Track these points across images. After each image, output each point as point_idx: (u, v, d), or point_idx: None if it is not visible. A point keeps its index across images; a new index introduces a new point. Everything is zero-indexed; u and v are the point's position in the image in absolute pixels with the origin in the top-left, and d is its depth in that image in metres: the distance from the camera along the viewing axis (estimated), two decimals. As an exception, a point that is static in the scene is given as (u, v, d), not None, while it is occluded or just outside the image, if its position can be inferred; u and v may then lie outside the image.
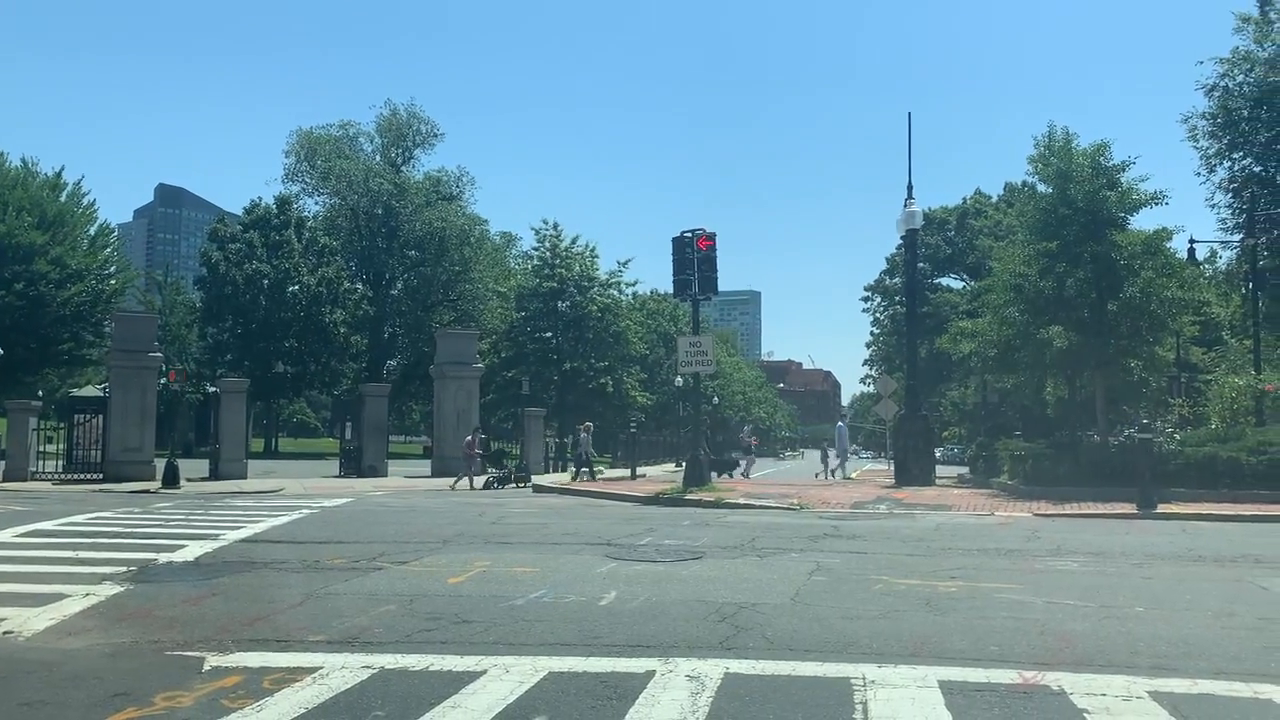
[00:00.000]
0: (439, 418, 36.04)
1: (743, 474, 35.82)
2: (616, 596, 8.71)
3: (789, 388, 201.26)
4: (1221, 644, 6.91)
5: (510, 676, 6.02)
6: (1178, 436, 21.87)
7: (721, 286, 23.53)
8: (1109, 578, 9.94)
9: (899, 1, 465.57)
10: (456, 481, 27.32)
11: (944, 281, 69.66)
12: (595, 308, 67.32)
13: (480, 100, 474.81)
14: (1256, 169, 33.96)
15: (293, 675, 6.08)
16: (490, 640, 7.06)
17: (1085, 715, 5.21)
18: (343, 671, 6.15)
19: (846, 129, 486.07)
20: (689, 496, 20.50)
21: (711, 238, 22.71)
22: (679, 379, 49.63)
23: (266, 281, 63.71)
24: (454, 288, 72.37)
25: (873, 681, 5.84)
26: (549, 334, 68.64)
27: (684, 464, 26.33)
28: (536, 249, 70.53)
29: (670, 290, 24.83)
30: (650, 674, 6.05)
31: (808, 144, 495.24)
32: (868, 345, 78.22)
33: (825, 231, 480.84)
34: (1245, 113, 33.37)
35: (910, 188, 27.81)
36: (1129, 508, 17.22)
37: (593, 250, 70.44)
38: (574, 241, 69.96)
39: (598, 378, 66.06)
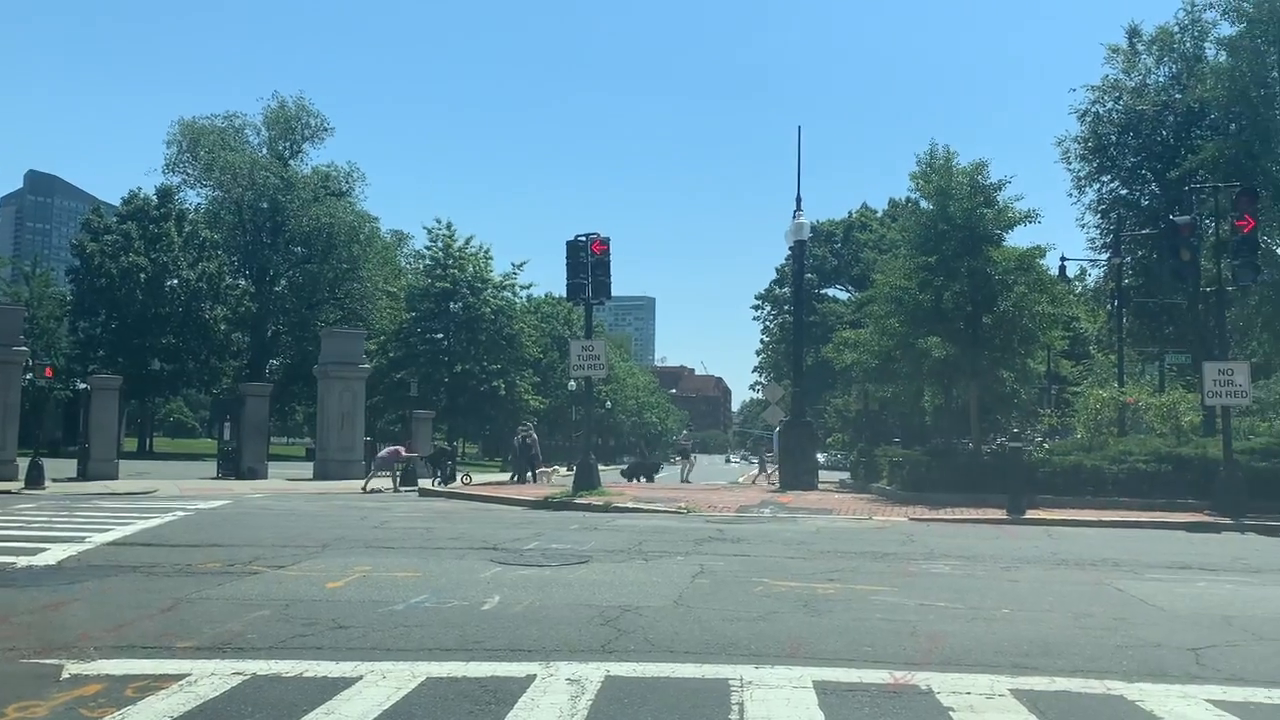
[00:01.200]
0: (323, 419, 35.22)
1: (683, 479, 35.85)
2: (500, 601, 8.66)
3: (681, 393, 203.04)
4: (1079, 643, 7.25)
5: (387, 682, 5.93)
6: (1046, 446, 22.88)
7: (616, 291, 23.59)
8: (978, 580, 10.33)
9: (794, 19, 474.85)
10: (367, 483, 27.03)
11: (830, 292, 71.41)
12: (489, 309, 66.73)
13: (372, 98, 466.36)
14: (1123, 192, 35.84)
15: (158, 683, 5.87)
16: (368, 646, 6.94)
17: (951, 713, 5.40)
18: (212, 679, 5.95)
19: (742, 140, 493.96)
20: (579, 500, 20.49)
21: (606, 242, 22.77)
22: (572, 383, 49.60)
23: (144, 275, 61.13)
24: (341, 286, 70.78)
25: (750, 682, 5.94)
26: (440, 335, 67.79)
27: (575, 468, 26.32)
28: (429, 248, 69.59)
29: (564, 294, 24.77)
30: (531, 678, 6.03)
31: (704, 153, 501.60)
32: (758, 353, 79.72)
33: (719, 240, 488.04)
34: (1114, 138, 35.20)
35: (799, 200, 28.42)
36: (999, 513, 17.93)
37: (487, 251, 69.87)
38: (468, 242, 69.26)
39: (490, 380, 65.43)
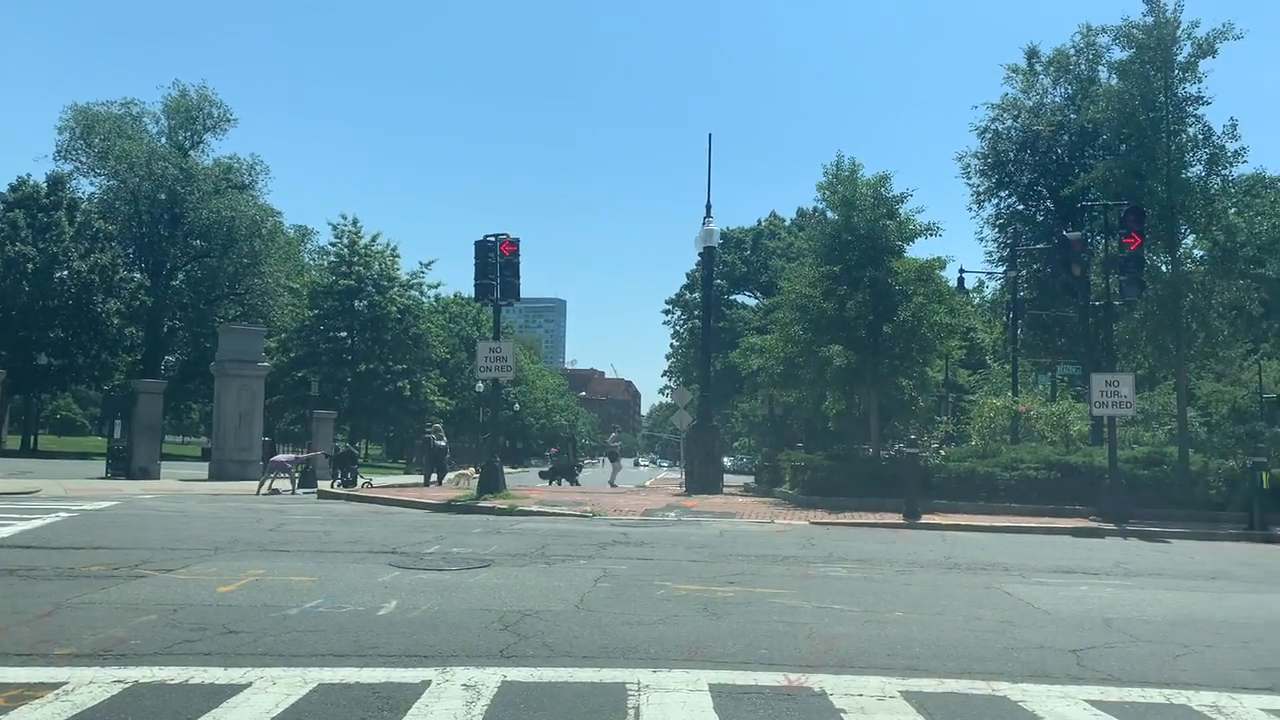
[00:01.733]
0: (219, 418, 34.20)
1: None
2: (397, 606, 8.52)
3: (591, 396, 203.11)
4: (968, 645, 7.47)
5: (276, 689, 5.78)
6: (942, 452, 23.51)
7: (526, 293, 23.48)
8: (874, 584, 10.56)
9: (708, 29, 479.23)
10: (262, 485, 26.30)
11: (739, 298, 72.18)
12: (395, 308, 65.68)
13: (280, 90, 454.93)
14: (1019, 207, 37.02)
15: (32, 691, 5.62)
16: (258, 651, 6.75)
17: (842, 715, 5.51)
18: (91, 687, 5.72)
19: (655, 145, 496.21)
20: (482, 504, 20.30)
21: (515, 243, 22.64)
22: (479, 384, 49.08)
23: (31, 266, 58.36)
24: (242, 281, 68.84)
25: (647, 686, 5.96)
26: (344, 334, 66.46)
27: (481, 470, 26.06)
28: (334, 245, 68.16)
29: (473, 294, 24.52)
30: (426, 684, 5.95)
31: (617, 158, 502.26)
32: (668, 357, 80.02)
33: (632, 244, 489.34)
34: (1012, 155, 36.35)
35: (709, 207, 28.69)
36: (897, 517, 18.37)
37: (394, 249, 68.77)
38: (374, 239, 68.06)
39: (395, 380, 64.36)
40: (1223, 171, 21.29)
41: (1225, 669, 6.92)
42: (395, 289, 67.04)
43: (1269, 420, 31.87)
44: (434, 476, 30.22)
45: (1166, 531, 17.67)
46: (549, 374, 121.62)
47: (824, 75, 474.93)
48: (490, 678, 6.09)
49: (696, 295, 70.00)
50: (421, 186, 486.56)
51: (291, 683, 5.91)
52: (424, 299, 70.95)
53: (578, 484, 32.58)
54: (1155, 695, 6.12)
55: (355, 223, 67.77)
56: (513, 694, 5.78)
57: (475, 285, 22.99)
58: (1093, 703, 5.90)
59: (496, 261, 22.38)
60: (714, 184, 29.50)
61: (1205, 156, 21.28)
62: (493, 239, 22.53)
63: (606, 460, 39.91)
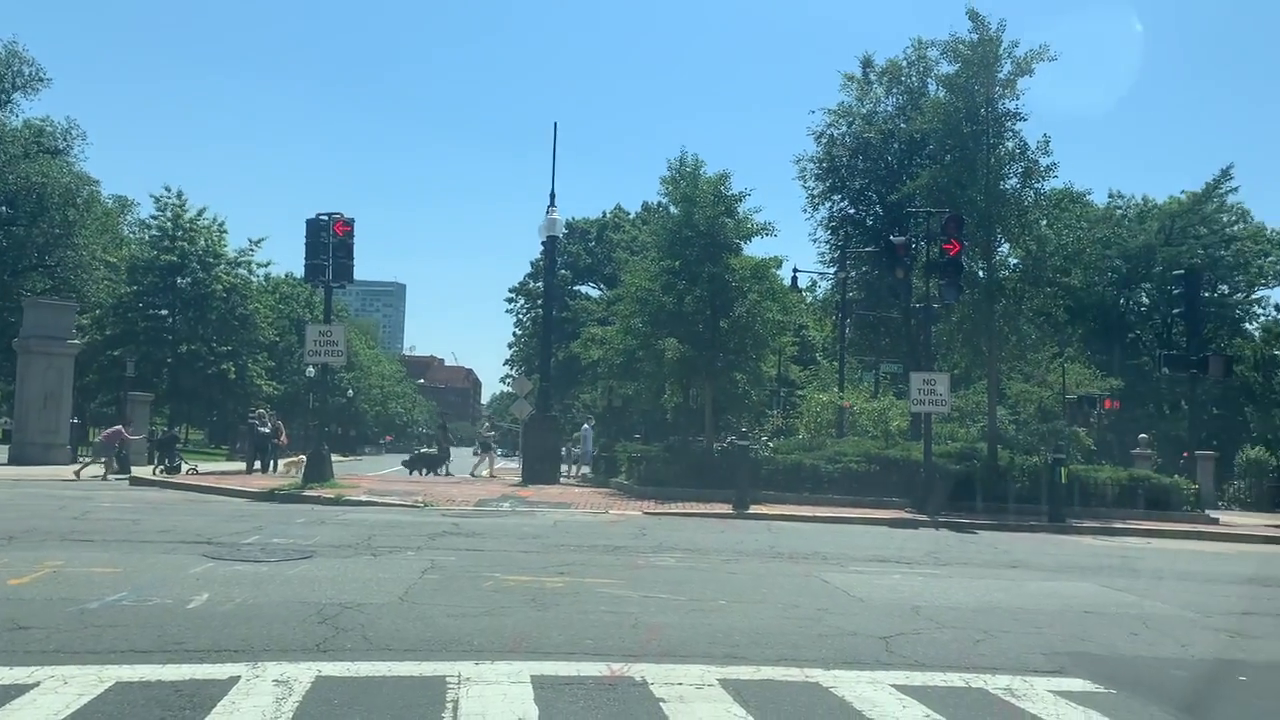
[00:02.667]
0: (22, 398, 31.86)
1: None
2: (209, 599, 8.13)
3: (429, 384, 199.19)
4: (786, 633, 7.70)
5: (69, 689, 5.41)
6: (771, 445, 24.19)
7: (364, 276, 22.88)
8: (701, 573, 10.77)
9: (557, 17, 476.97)
10: (82, 468, 24.61)
11: (583, 289, 72.35)
12: (221, 287, 62.62)
13: (99, 52, 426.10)
14: (851, 211, 38.49)
15: None
16: (51, 648, 6.31)
17: (662, 704, 5.58)
18: None
19: (501, 131, 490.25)
20: (308, 493, 19.63)
21: (350, 223, 21.96)
22: (309, 369, 47.36)
23: None
24: (52, 253, 64.00)
25: (468, 679, 5.89)
26: (164, 312, 62.98)
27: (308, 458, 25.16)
28: (156, 218, 64.35)
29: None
30: (234, 680, 5.70)
31: (461, 141, 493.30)
32: (510, 346, 79.50)
33: (475, 231, 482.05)
34: (845, 160, 37.73)
35: (553, 196, 28.60)
36: (727, 508, 18.81)
37: (221, 225, 65.51)
38: (200, 213, 64.66)
39: (219, 363, 61.41)
40: (1036, 185, 22.65)
41: (1020, 653, 7.37)
42: (222, 266, 63.94)
43: (1069, 420, 34.30)
44: (257, 464, 29.02)
45: (975, 523, 18.75)
46: (385, 360, 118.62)
47: (672, 71, 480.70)
48: (304, 673, 5.89)
49: (540, 284, 69.78)
50: (253, 162, 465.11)
51: (86, 682, 5.55)
52: (253, 278, 67.94)
53: (451, 474, 31.65)
54: (956, 679, 6.46)
55: (180, 195, 64.26)
56: (327, 689, 5.60)
57: (306, 265, 22.19)
58: (898, 687, 6.17)
59: (329, 241, 21.65)
60: (561, 174, 29.48)
61: (1021, 170, 22.59)
62: (325, 218, 21.78)
63: (478, 450, 38.82)
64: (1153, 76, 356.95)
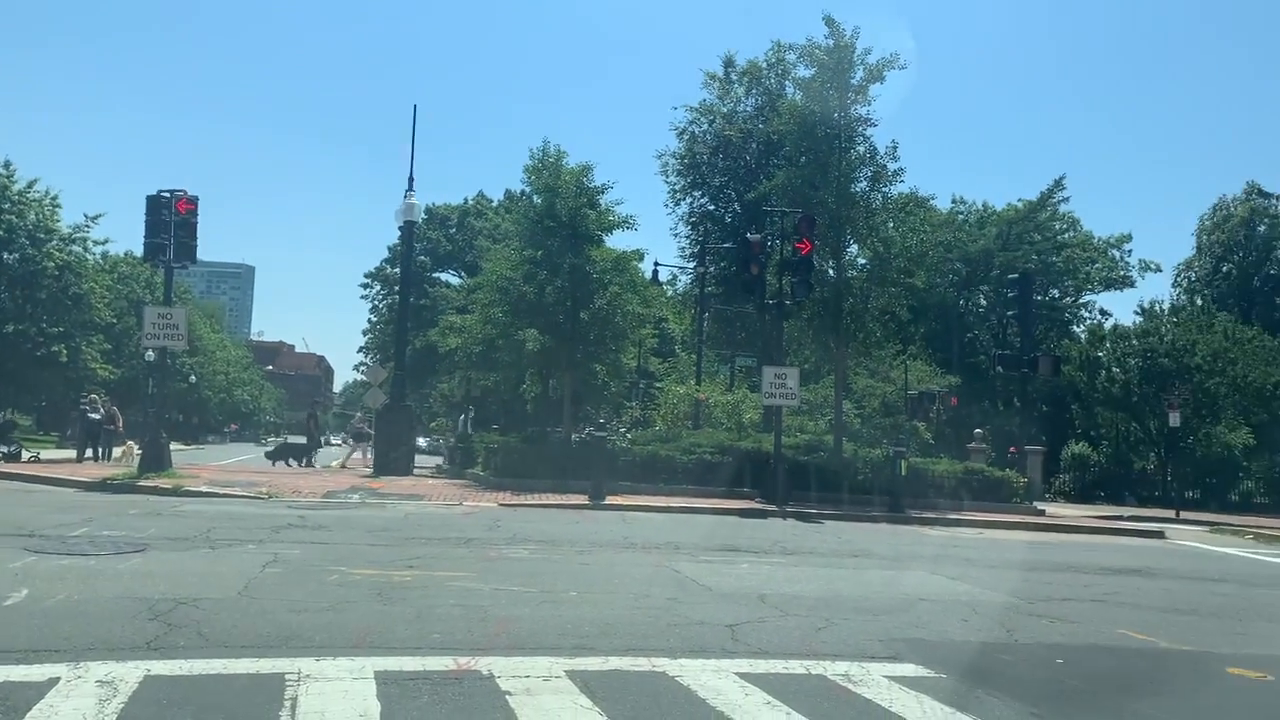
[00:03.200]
0: None
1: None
2: (29, 595, 7.65)
3: (279, 370, 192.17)
4: (636, 623, 7.79)
5: None
6: (629, 436, 24.39)
7: (211, 257, 21.97)
8: (554, 564, 10.77)
9: (420, 3, 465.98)
10: None
11: (443, 276, 71.24)
12: (52, 264, 58.62)
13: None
14: (711, 207, 39.13)
15: None
16: None
17: (508, 697, 5.55)
18: None
19: (359, 112, 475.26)
20: (143, 483, 18.69)
21: (193, 201, 20.96)
22: (148, 352, 45.03)
23: None
24: None
25: (308, 676, 5.72)
26: (-12, 289, 58.70)
27: (144, 446, 23.93)
28: (-21, 189, 59.93)
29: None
30: (53, 681, 5.37)
31: (318, 121, 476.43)
32: (365, 333, 77.51)
33: (331, 213, 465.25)
34: (706, 158, 38.32)
35: (411, 180, 27.97)
36: (583, 499, 18.87)
37: (54, 199, 61.19)
38: (31, 186, 60.40)
39: (49, 344, 57.66)
40: (883, 189, 23.56)
41: (858, 640, 7.66)
42: (54, 243, 59.90)
43: (911, 414, 35.81)
44: (89, 452, 27.46)
45: (821, 513, 19.38)
46: (232, 345, 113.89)
47: (537, 60, 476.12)
48: (131, 672, 5.61)
49: (397, 270, 68.25)
50: (93, 136, 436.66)
51: (-119, 689, 5.14)
52: (89, 256, 64.02)
53: (313, 466, 30.36)
54: (797, 666, 6.67)
55: (7, 165, 59.89)
56: (156, 689, 5.35)
57: (145, 244, 21.09)
58: (742, 675, 6.33)
59: (171, 220, 20.63)
60: (422, 159, 28.93)
61: (870, 173, 23.45)
62: (168, 194, 20.74)
63: (350, 440, 37.27)
64: (994, 92, 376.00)
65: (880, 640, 7.68)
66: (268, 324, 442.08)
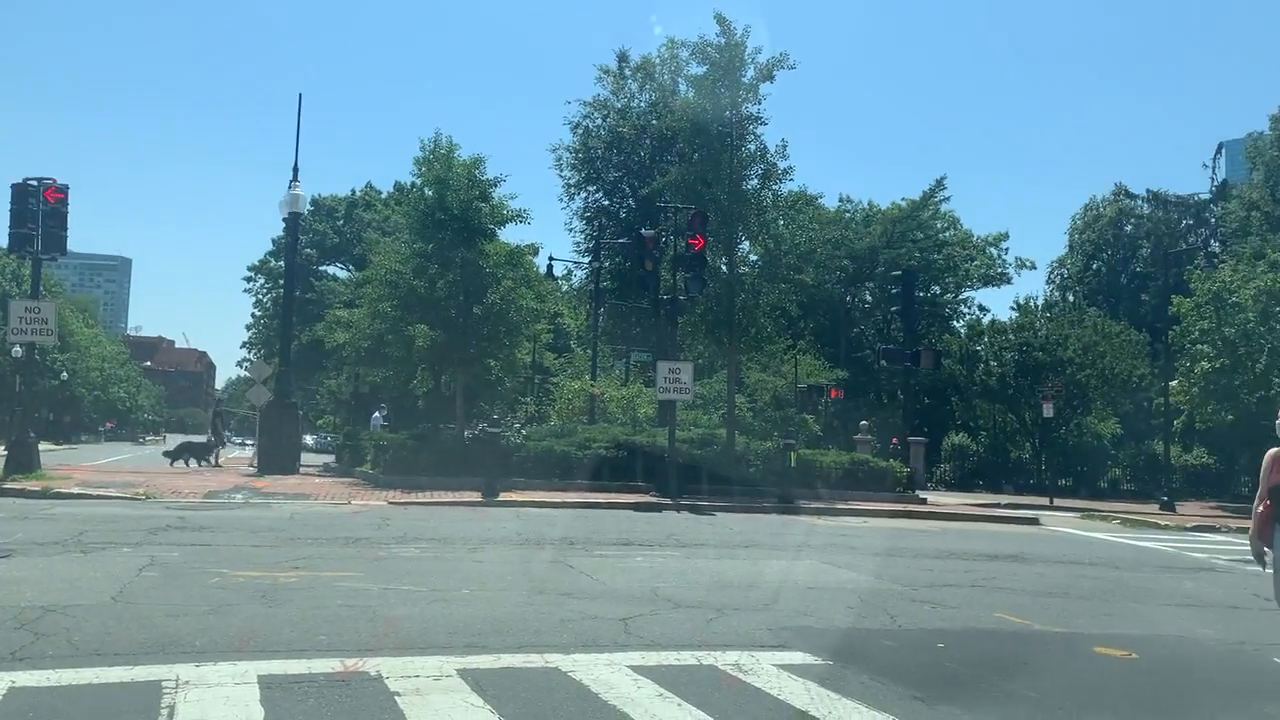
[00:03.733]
0: None
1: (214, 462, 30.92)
2: (-121, 607, 7.20)
3: (158, 366, 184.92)
4: (528, 620, 7.76)
5: None
6: (524, 432, 24.26)
7: (84, 248, 20.96)
8: (445, 562, 10.65)
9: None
10: None
11: (330, 269, 69.57)
12: (-95, 255, 55.43)
13: None
14: (605, 203, 39.24)
15: None
16: None
17: (397, 697, 5.47)
18: None
19: (242, 99, 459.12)
20: (10, 485, 17.76)
21: (63, 190, 20.03)
22: (15, 349, 42.78)
23: None
24: None
25: (187, 682, 5.53)
26: None
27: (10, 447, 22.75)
28: None
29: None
30: (-96, 701, 5.08)
31: (197, 108, 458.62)
32: (248, 328, 75.20)
33: (212, 203, 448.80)
34: (600, 152, 38.38)
35: (296, 170, 27.23)
36: (477, 496, 18.69)
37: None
38: (-120, 171, 56.98)
39: (-97, 340, 54.37)
40: (774, 186, 23.95)
41: (748, 630, 7.79)
42: (-93, 232, 56.57)
43: (800, 407, 36.57)
44: None
45: (714, 505, 19.63)
46: (107, 340, 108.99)
47: (429, 44, 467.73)
48: (-6, 685, 5.33)
49: (282, 263, 66.34)
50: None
51: None
52: (-52, 246, 60.56)
53: (219, 465, 28.80)
54: (689, 658, 6.74)
55: None
56: (22, 701, 5.11)
57: (10, 235, 20.08)
58: (634, 667, 6.37)
59: (39, 209, 19.67)
60: (308, 149, 28.18)
61: (761, 171, 23.81)
62: (35, 183, 19.76)
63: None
64: (878, 95, 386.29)
65: (769, 629, 7.82)
66: (146, 318, 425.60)
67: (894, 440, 33.76)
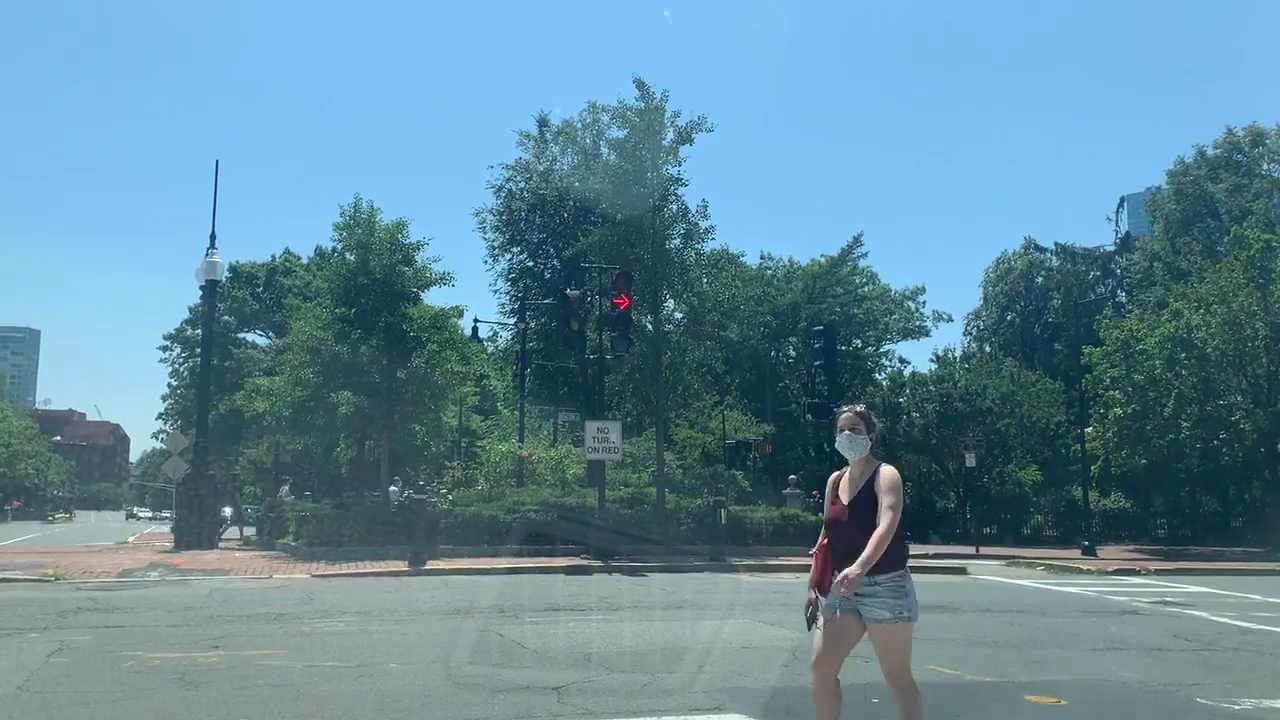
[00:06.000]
0: None
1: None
2: None
3: (68, 440, 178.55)
4: (459, 694, 7.57)
5: None
6: (450, 497, 23.88)
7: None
8: (371, 636, 10.36)
9: (217, 47, 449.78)
10: None
11: (250, 337, 68.35)
12: None
13: None
14: (530, 263, 39.30)
15: None
16: None
17: (322, 779, 5.28)
18: None
19: (156, 166, 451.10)
20: (-94, 570, 16.86)
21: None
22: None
23: None
24: None
25: (98, 777, 5.27)
26: None
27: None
28: None
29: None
30: None
31: (110, 172, 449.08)
32: (164, 398, 73.21)
33: (125, 272, 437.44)
34: (523, 214, 38.57)
35: (213, 237, 26.83)
36: (403, 565, 18.29)
37: None
38: None
39: None
40: (696, 245, 24.33)
41: (683, 693, 7.70)
42: None
43: (729, 463, 36.70)
44: None
45: (646, 565, 19.49)
46: (14, 414, 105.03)
47: (348, 111, 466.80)
48: (-115, 790, 5.01)
49: (199, 331, 64.93)
50: None
51: None
52: None
53: None
54: (623, 724, 6.64)
55: None
56: (-84, 807, 4.80)
57: (-90, 308, 19.29)
58: (568, 737, 6.24)
59: (-59, 282, 18.97)
60: (226, 215, 27.69)
61: (683, 231, 24.20)
62: (-63, 255, 19.09)
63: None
64: (796, 154, 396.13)
65: (705, 691, 7.75)
66: (56, 391, 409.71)
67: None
